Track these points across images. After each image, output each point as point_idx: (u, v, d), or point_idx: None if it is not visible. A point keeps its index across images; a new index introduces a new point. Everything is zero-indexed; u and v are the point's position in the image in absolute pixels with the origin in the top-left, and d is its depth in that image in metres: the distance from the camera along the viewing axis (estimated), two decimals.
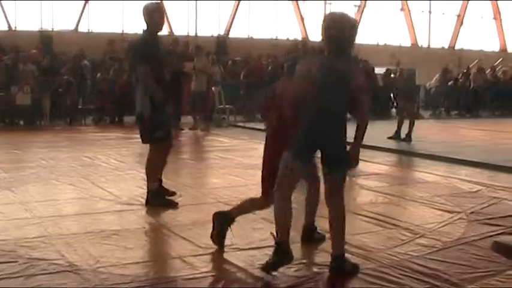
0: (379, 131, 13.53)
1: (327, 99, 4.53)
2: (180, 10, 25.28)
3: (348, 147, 4.67)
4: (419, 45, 30.92)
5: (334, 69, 4.52)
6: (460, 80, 24.28)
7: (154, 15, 6.95)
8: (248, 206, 5.60)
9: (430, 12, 31.27)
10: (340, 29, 4.50)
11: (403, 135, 13.48)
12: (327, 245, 5.15)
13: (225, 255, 5.10)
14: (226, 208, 5.90)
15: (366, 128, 4.67)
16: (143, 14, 6.95)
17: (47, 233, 5.71)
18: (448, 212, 6.83)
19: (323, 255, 5.19)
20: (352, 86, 4.54)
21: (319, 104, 4.53)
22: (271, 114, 5.23)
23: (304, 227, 5.55)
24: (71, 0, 23.66)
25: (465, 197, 7.74)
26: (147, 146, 7.18)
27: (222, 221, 5.33)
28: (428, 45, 31.51)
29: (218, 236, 5.29)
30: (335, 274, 4.73)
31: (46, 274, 4.59)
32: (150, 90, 6.75)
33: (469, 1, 31.59)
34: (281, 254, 4.63)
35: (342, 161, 4.68)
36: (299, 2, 28.40)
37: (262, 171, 5.23)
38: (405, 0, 30.28)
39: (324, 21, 4.60)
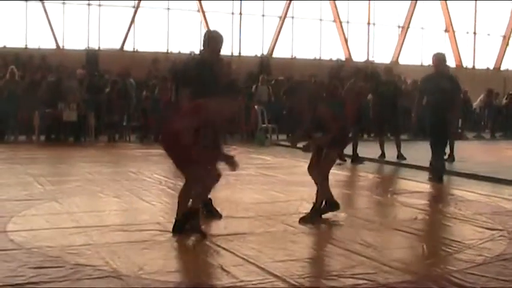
0: (421, 151, 13.47)
1: None
2: (224, 30, 25.58)
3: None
4: (464, 66, 30.69)
5: None
6: (505, 101, 24.01)
7: (210, 42, 7.26)
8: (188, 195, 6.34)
9: (475, 33, 31.08)
10: None
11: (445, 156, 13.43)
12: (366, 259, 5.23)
13: (265, 266, 5.17)
14: (268, 222, 6.12)
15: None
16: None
17: (92, 242, 5.87)
18: (489, 229, 6.78)
19: (361, 268, 5.26)
20: None
21: None
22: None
23: None
24: (117, 20, 24.22)
25: (508, 215, 7.66)
26: None
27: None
28: (473, 66, 31.26)
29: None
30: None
31: (91, 279, 4.73)
32: None
33: None
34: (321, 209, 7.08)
35: None
36: (343, 23, 28.47)
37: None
38: (450, 21, 30.17)
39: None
